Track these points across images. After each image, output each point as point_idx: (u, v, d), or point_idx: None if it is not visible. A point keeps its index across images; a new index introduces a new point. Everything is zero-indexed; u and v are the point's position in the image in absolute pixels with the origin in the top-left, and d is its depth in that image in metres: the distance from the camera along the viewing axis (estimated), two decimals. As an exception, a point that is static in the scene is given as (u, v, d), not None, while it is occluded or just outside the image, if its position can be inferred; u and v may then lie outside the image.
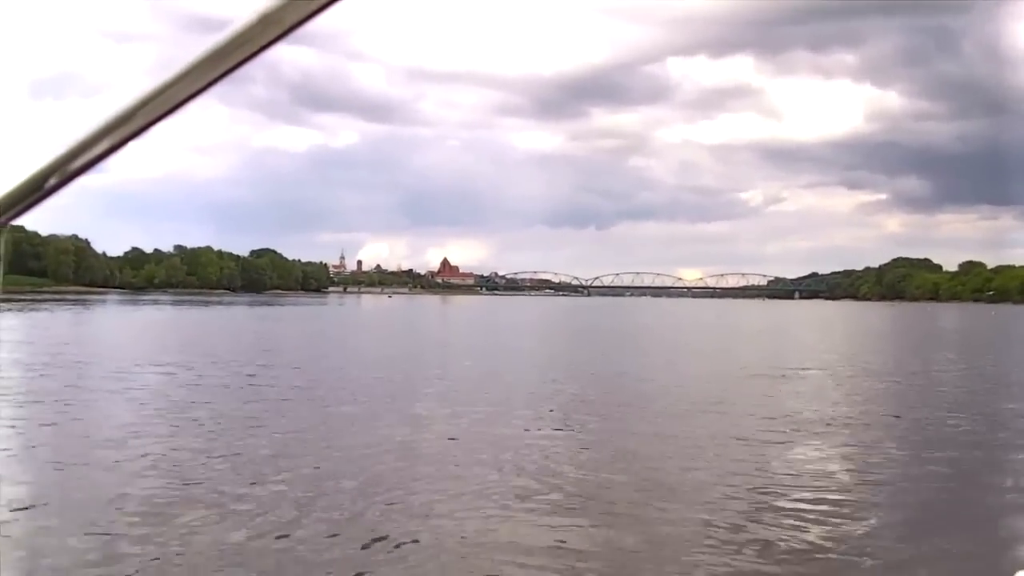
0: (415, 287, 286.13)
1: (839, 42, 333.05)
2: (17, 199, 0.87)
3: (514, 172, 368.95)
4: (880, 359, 34.79)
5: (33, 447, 12.81)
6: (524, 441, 13.75)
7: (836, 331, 62.27)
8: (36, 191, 0.86)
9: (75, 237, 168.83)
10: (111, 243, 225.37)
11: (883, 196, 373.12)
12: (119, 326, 52.59)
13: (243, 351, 31.62)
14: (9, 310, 60.55)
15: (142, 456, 12.07)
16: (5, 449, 12.60)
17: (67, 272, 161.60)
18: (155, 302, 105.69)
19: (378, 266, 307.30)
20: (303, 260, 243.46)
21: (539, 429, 14.96)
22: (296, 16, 0.77)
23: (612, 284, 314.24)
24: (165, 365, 25.08)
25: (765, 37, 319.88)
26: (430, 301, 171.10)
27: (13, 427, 14.32)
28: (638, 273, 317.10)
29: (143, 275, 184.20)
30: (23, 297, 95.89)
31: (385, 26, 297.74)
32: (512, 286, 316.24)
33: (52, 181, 0.86)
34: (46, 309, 69.67)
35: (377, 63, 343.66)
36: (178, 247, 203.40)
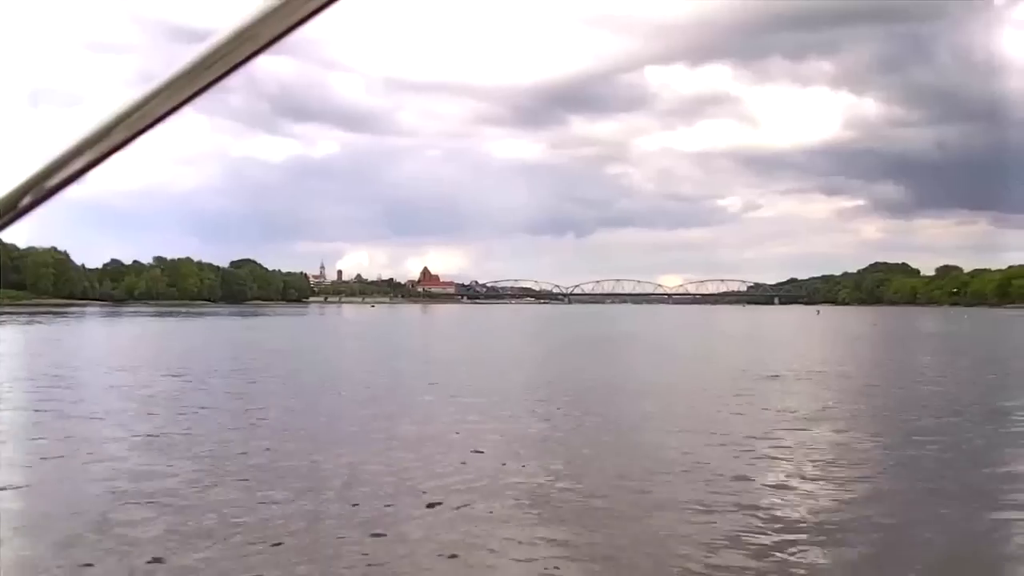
0: (396, 296, 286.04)
1: (816, 50, 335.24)
2: None
3: (494, 181, 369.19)
4: (855, 360, 35.67)
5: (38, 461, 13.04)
6: (522, 445, 14.11)
7: (815, 335, 63.09)
8: (10, 210, 0.84)
9: (54, 249, 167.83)
10: (90, 255, 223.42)
11: (861, 202, 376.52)
12: (112, 339, 52.37)
13: (242, 361, 31.88)
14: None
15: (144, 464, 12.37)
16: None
17: (46, 285, 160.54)
18: (137, 314, 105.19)
19: (358, 276, 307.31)
20: (283, 270, 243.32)
21: (532, 432, 15.34)
22: (276, 29, 0.77)
23: (593, 292, 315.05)
24: (172, 377, 25.34)
25: (743, 45, 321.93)
26: (412, 310, 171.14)
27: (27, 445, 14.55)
28: (618, 280, 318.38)
29: (123, 287, 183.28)
30: (2, 310, 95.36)
31: (363, 36, 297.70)
32: (493, 295, 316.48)
33: (27, 200, 0.83)
34: (38, 322, 69.55)
35: (356, 73, 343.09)
36: (158, 258, 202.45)
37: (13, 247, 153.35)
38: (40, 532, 8.91)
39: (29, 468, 12.07)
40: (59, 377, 24.46)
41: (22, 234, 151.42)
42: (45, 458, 12.67)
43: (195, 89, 0.79)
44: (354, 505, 9.99)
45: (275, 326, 72.39)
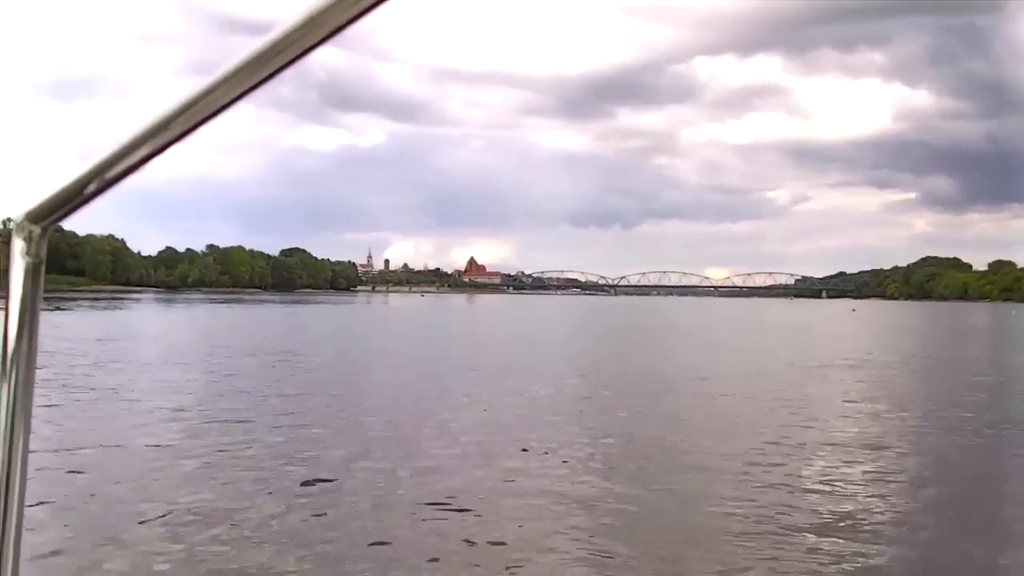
0: (442, 286, 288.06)
1: (867, 41, 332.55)
2: (58, 204, 0.89)
3: (539, 172, 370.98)
4: (907, 353, 36.19)
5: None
6: (583, 434, 15.23)
7: (867, 329, 63.17)
8: (76, 196, 0.88)
9: (111, 237, 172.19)
10: (144, 242, 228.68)
11: (911, 195, 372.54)
12: (197, 325, 53.99)
13: (320, 348, 33.33)
14: (66, 309, 62.69)
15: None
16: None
17: (104, 271, 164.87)
18: (195, 301, 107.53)
19: (405, 265, 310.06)
20: (331, 259, 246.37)
21: (592, 423, 16.44)
22: (338, 20, 0.77)
23: (639, 283, 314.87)
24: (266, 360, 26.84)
25: (792, 37, 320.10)
26: (461, 300, 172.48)
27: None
28: (664, 272, 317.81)
29: (177, 274, 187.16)
30: (66, 295, 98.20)
31: (412, 26, 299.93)
32: (539, 285, 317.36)
33: (92, 187, 0.87)
34: (119, 307, 72.00)
35: (404, 63, 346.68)
36: (211, 247, 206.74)
37: (72, 234, 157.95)
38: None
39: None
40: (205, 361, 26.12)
41: (79, 221, 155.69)
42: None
43: (255, 81, 0.80)
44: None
45: (339, 315, 73.74)
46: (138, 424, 14.35)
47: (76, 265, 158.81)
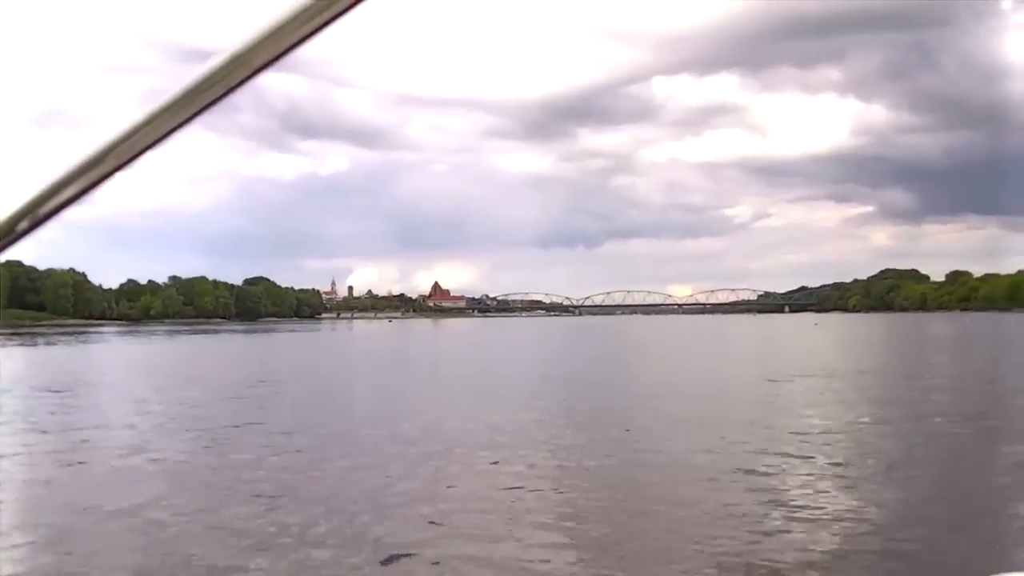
0: (407, 311, 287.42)
1: (823, 58, 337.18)
2: None
3: (502, 194, 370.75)
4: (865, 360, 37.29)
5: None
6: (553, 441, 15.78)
7: (825, 340, 64.52)
8: (8, 234, 0.85)
9: (72, 271, 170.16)
10: (106, 275, 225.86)
11: (870, 209, 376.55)
12: (156, 359, 54.00)
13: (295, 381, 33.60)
14: (29, 344, 62.25)
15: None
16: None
17: (65, 305, 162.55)
18: (160, 333, 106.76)
19: (369, 291, 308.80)
20: (295, 287, 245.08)
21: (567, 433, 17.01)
22: (279, 46, 0.74)
23: (603, 303, 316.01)
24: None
25: (749, 55, 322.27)
26: (426, 325, 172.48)
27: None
28: (628, 291, 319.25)
29: (140, 306, 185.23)
30: (28, 331, 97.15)
31: (372, 52, 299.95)
32: (503, 307, 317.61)
33: (24, 224, 0.84)
34: (88, 341, 71.36)
35: (365, 89, 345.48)
36: (173, 278, 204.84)
37: (33, 269, 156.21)
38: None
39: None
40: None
41: (41, 256, 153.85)
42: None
43: (191, 112, 0.78)
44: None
45: (310, 344, 73.82)
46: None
47: (37, 300, 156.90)
